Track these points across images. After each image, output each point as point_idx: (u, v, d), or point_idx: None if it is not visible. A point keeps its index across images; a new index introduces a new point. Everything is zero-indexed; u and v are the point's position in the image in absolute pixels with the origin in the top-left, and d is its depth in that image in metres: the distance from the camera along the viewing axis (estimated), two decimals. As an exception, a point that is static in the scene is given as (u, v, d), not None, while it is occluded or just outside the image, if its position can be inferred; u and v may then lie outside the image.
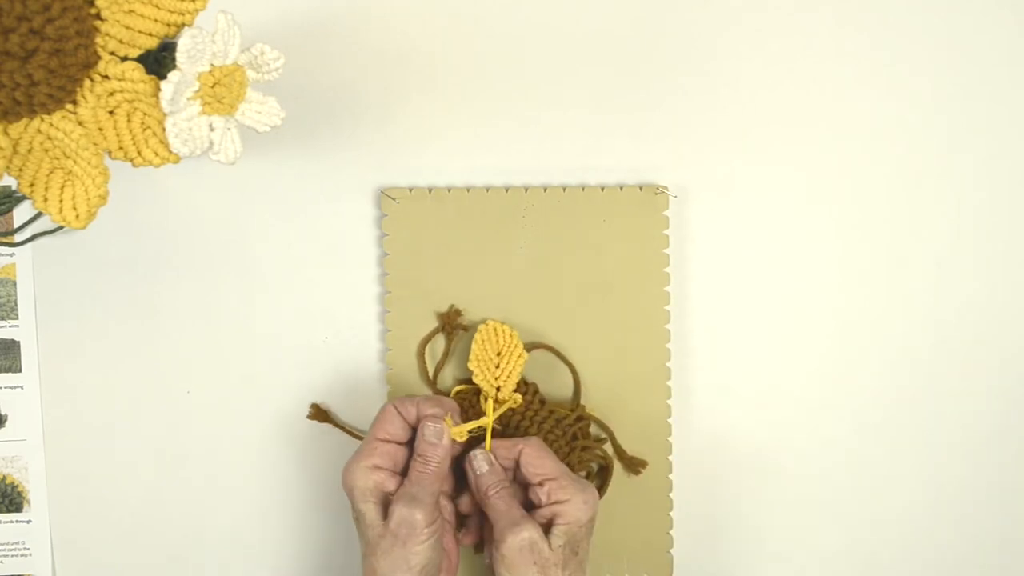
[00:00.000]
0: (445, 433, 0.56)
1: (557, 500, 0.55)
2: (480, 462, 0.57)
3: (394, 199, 0.61)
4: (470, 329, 0.61)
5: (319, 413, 0.62)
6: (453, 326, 0.61)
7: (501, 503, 0.56)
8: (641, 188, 0.62)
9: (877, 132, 0.63)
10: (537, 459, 0.57)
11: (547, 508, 0.56)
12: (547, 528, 0.55)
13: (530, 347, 0.61)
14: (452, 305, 0.62)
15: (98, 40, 0.45)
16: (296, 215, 0.62)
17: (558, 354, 0.62)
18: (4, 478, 0.63)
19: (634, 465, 0.62)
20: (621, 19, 0.62)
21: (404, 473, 0.56)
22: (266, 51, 0.48)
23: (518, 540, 0.54)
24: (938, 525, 0.66)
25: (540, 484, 0.56)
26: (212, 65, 0.46)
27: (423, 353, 0.62)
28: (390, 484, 0.55)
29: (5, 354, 0.62)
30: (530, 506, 0.57)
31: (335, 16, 0.61)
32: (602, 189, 0.62)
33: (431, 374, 0.62)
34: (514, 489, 0.57)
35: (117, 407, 0.63)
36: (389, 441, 0.56)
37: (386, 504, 0.55)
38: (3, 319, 0.62)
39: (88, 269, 0.62)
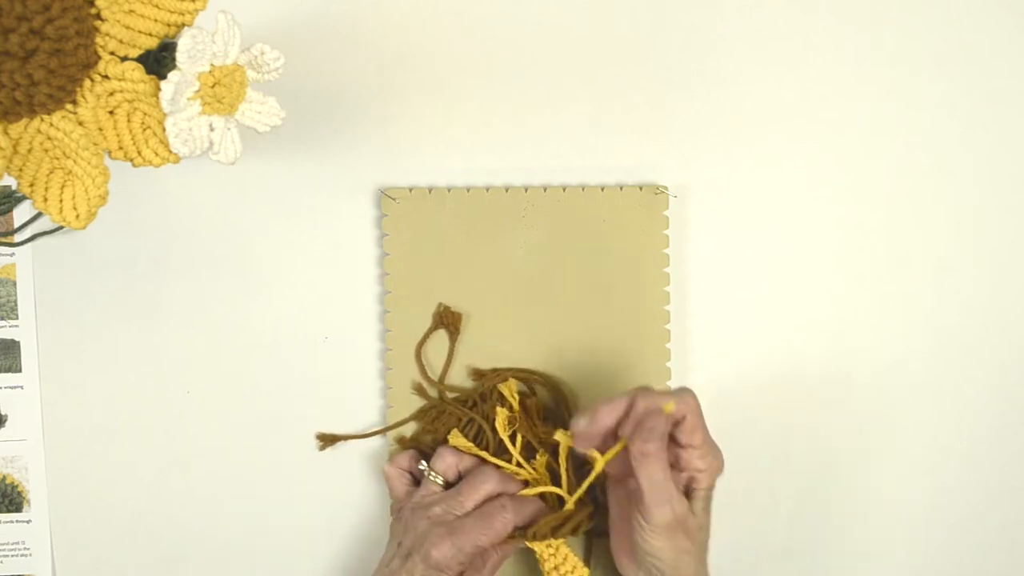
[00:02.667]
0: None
1: (698, 469, 0.54)
2: (655, 430, 0.52)
3: (394, 199, 0.61)
4: (466, 322, 0.61)
5: (327, 438, 0.63)
6: (451, 322, 0.61)
7: (655, 473, 0.53)
8: (641, 188, 0.62)
9: (877, 132, 0.63)
10: (692, 427, 0.54)
11: (685, 473, 0.55)
12: (685, 492, 0.54)
13: (521, 376, 0.61)
14: (441, 303, 0.61)
15: (98, 40, 0.45)
16: (296, 215, 0.62)
17: (558, 384, 0.62)
18: (4, 478, 0.63)
19: None
20: (621, 19, 0.62)
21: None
22: (266, 51, 0.48)
23: (670, 515, 0.53)
24: (938, 525, 0.66)
25: (685, 448, 0.54)
26: (212, 65, 0.46)
27: (420, 355, 0.62)
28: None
29: (5, 354, 0.62)
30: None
31: (335, 16, 0.61)
32: (602, 189, 0.62)
33: (433, 376, 0.62)
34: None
35: (117, 407, 0.63)
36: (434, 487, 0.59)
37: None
38: (3, 319, 0.62)
39: (88, 269, 0.62)
